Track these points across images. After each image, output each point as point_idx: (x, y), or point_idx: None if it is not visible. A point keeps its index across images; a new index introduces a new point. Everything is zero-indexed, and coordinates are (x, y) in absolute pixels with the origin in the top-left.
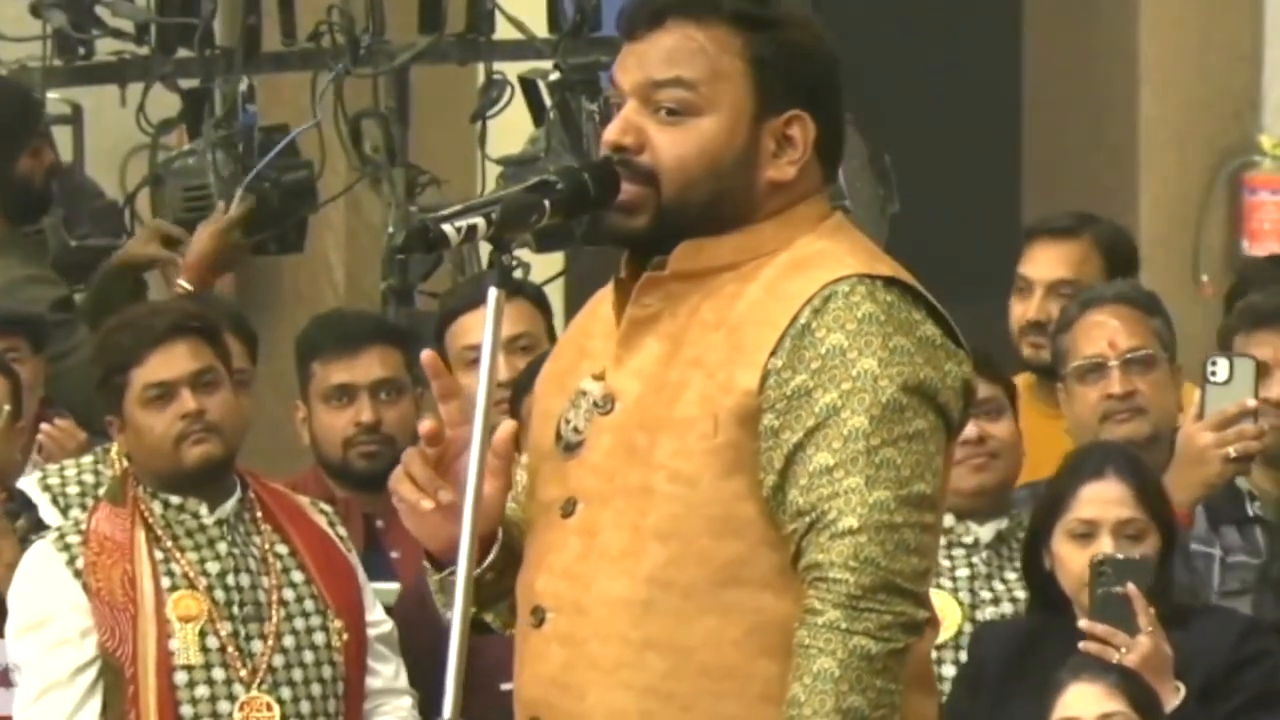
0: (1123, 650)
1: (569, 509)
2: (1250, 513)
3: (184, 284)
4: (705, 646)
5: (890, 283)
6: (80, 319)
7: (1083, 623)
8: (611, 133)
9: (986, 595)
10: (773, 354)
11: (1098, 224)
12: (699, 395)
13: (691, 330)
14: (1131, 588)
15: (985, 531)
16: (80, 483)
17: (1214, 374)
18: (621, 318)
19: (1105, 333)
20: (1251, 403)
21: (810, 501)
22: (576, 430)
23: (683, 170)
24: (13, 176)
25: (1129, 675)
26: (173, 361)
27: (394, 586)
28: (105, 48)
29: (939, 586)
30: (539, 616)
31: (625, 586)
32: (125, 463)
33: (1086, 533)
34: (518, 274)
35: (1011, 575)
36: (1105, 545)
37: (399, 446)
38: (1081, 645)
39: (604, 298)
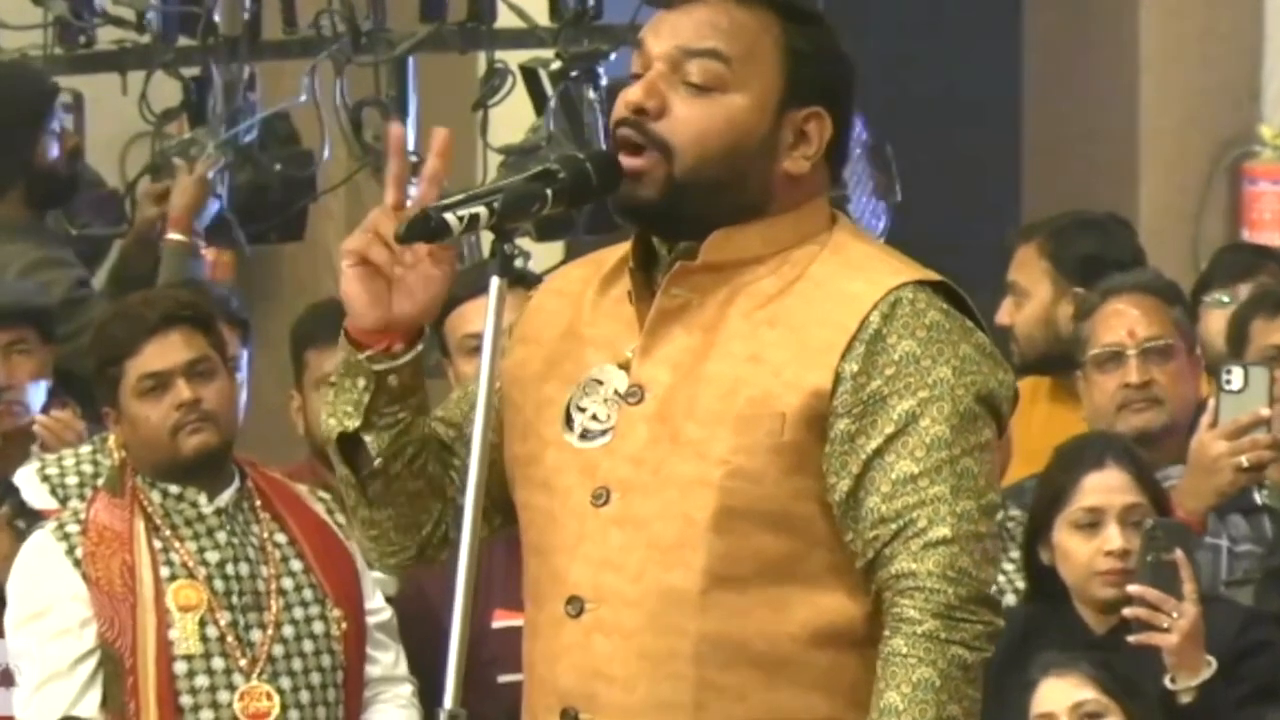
0: (1174, 615)
1: (602, 498)
2: (1258, 501)
3: (175, 235)
4: (760, 639)
5: (939, 288)
6: (97, 297)
7: (1134, 588)
8: (635, 93)
9: None
10: (843, 358)
11: (1042, 228)
12: (762, 392)
13: (731, 323)
14: (1180, 554)
15: None
16: (79, 473)
17: (1229, 382)
18: (638, 305)
19: (1124, 321)
20: (1265, 412)
21: (895, 509)
22: (596, 418)
23: (701, 144)
24: (35, 162)
25: (1100, 664)
26: (167, 351)
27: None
28: (106, 36)
29: None
30: (577, 606)
31: (681, 578)
32: (123, 453)
33: (1093, 521)
34: (518, 263)
35: (1010, 566)
36: (1112, 533)
37: None
38: (1128, 611)
39: (578, 281)
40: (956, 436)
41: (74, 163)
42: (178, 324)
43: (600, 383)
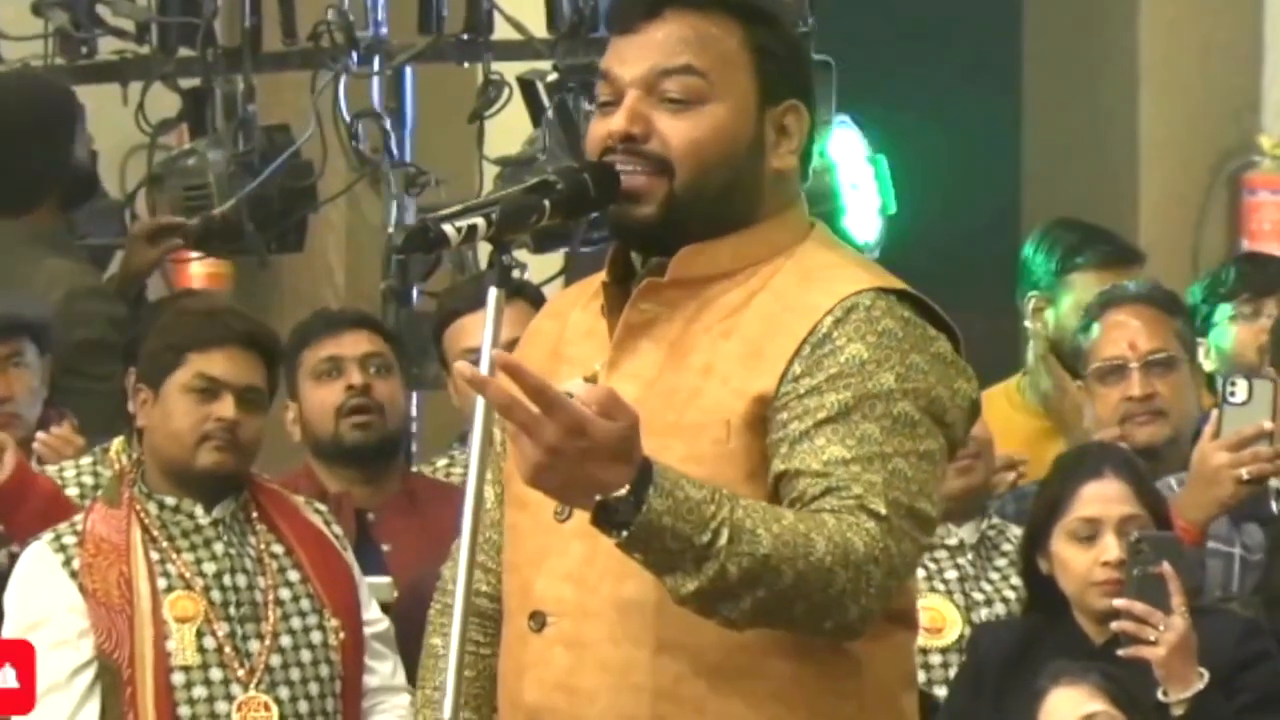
0: (1161, 628)
1: (564, 513)
2: (1274, 510)
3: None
4: (717, 648)
5: (903, 297)
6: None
7: (1120, 601)
8: (619, 122)
9: (979, 596)
10: (791, 362)
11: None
12: (712, 402)
13: (693, 337)
14: (1167, 567)
15: (967, 532)
16: (79, 484)
17: (1233, 394)
18: (610, 322)
19: (1126, 334)
20: (1269, 425)
21: (830, 483)
22: None
23: (698, 155)
24: (71, 163)
25: (1109, 675)
26: (233, 365)
27: (385, 580)
28: (106, 47)
29: (933, 590)
30: (540, 621)
31: (636, 588)
32: (123, 462)
33: (1089, 533)
34: (515, 274)
35: (995, 575)
36: (1109, 543)
37: (390, 418)
38: (1115, 625)
39: (569, 303)
40: (888, 438)
41: (94, 158)
42: (251, 348)
43: (571, 397)
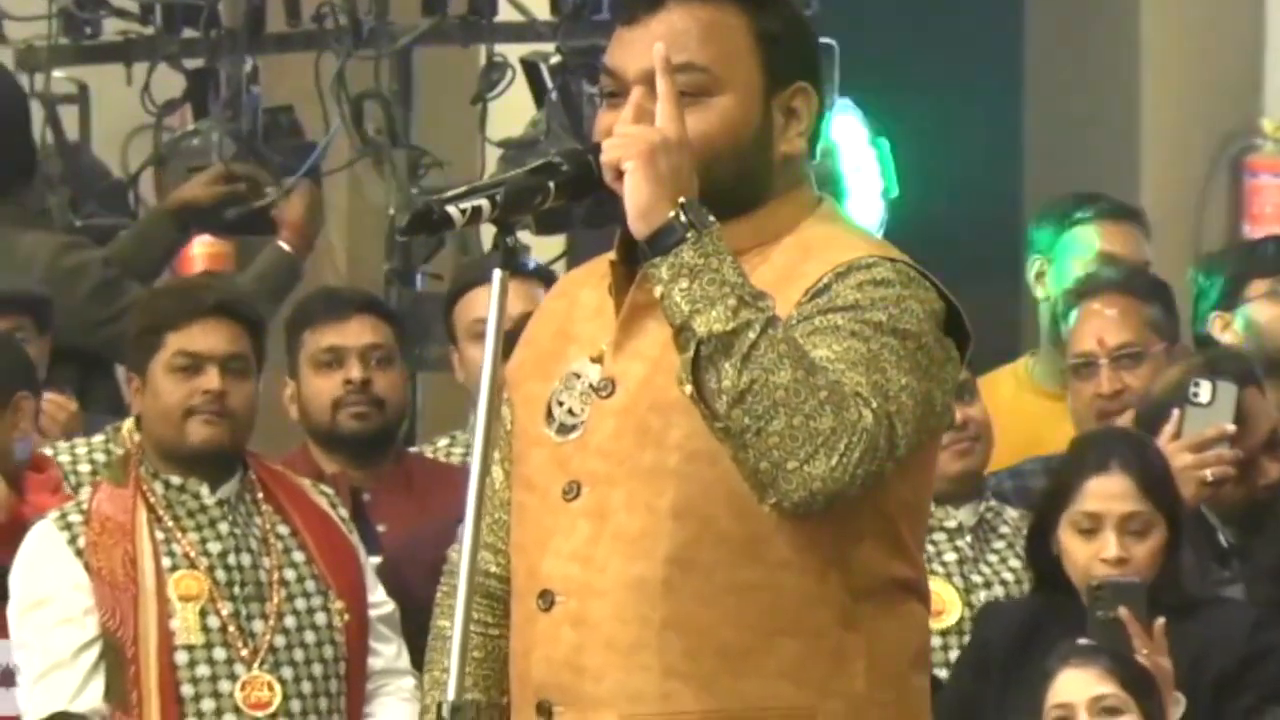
0: None
1: (572, 492)
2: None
3: (284, 245)
4: (724, 625)
5: (906, 265)
6: (129, 280)
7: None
8: (627, 120)
9: (978, 579)
10: (789, 318)
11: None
12: None
13: None
14: (1124, 612)
15: (965, 515)
16: (92, 461)
17: (1196, 395)
18: (617, 301)
19: (1095, 328)
20: (1231, 428)
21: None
22: (571, 412)
23: (706, 149)
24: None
25: (1120, 659)
26: (210, 337)
27: (379, 560)
28: (111, 27)
29: (932, 572)
30: (548, 600)
31: (644, 567)
32: (135, 440)
33: (1091, 528)
34: (532, 259)
35: (993, 557)
36: (1109, 540)
37: (389, 411)
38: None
39: (578, 283)
40: (875, 357)
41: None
42: (228, 315)
43: (578, 376)
